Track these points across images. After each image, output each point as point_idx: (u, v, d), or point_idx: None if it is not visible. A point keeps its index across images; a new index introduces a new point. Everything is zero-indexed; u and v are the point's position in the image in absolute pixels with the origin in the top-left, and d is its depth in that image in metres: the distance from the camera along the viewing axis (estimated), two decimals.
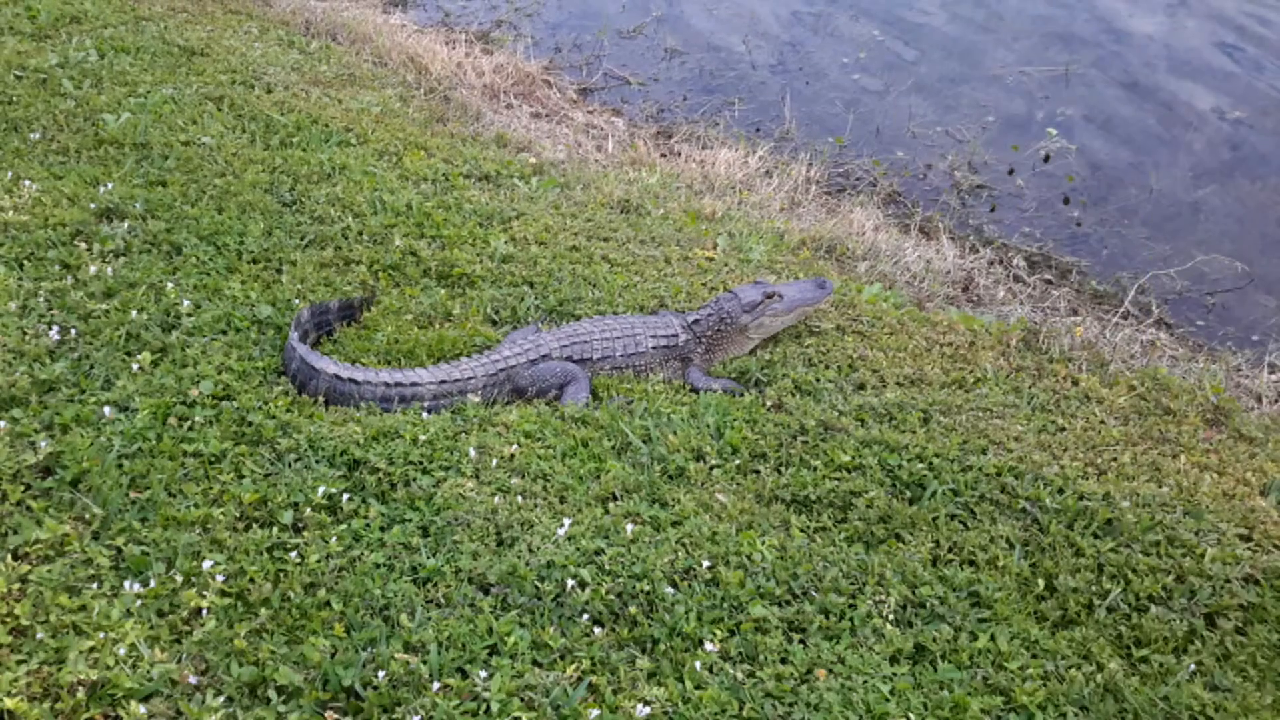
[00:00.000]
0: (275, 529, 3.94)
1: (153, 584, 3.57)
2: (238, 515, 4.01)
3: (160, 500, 3.97)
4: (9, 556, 3.58)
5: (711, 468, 4.71)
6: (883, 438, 4.89)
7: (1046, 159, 9.44)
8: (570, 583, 3.82)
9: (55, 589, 3.47)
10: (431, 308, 5.75)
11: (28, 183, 6.03)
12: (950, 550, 4.33)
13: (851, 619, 3.88)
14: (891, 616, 3.92)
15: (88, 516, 3.83)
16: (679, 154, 9.25)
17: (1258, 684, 3.83)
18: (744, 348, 5.87)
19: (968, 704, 3.56)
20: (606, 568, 3.92)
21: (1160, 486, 4.77)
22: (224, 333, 5.16)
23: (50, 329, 4.84)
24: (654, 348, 5.59)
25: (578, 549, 3.99)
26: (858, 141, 9.74)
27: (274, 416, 4.60)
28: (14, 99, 7.11)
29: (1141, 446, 5.14)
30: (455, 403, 5.04)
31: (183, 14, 9.68)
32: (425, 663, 3.42)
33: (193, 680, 3.26)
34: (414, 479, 4.33)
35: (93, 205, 5.93)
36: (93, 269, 5.37)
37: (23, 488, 3.89)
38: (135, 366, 4.73)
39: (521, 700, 3.35)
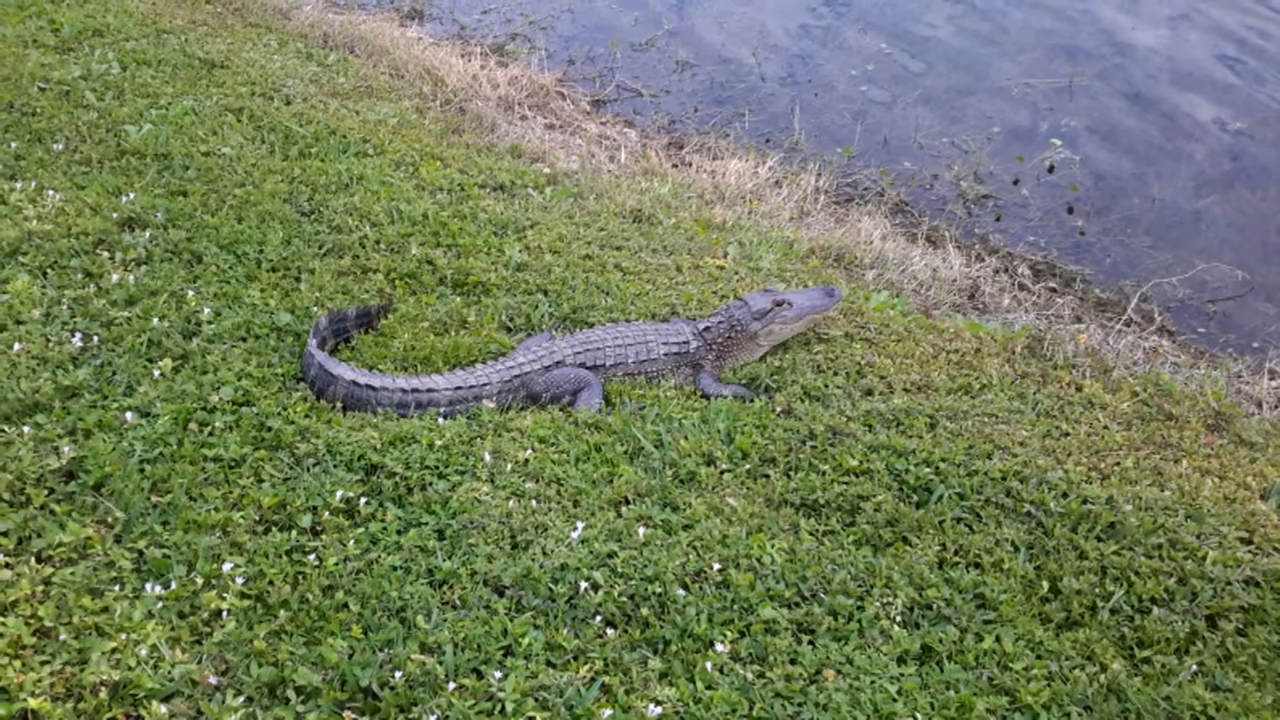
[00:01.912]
0: (294, 532, 3.96)
1: (174, 586, 3.58)
2: (257, 519, 4.03)
3: (181, 504, 3.99)
4: (33, 559, 3.61)
5: (722, 472, 4.74)
6: (890, 443, 4.92)
7: (1051, 169, 9.49)
8: (583, 585, 3.84)
9: (78, 591, 3.50)
10: (447, 315, 5.78)
11: (51, 193, 6.06)
12: (956, 553, 4.36)
13: (859, 620, 3.91)
14: (899, 618, 3.95)
15: (110, 520, 3.85)
16: (690, 164, 9.30)
17: (1258, 684, 3.87)
18: (754, 354, 5.89)
19: (973, 704, 3.59)
20: (619, 570, 3.95)
21: (1162, 490, 4.81)
22: (244, 340, 5.18)
23: (73, 336, 4.86)
24: (666, 354, 5.61)
25: (591, 552, 4.01)
26: (865, 152, 9.78)
27: (293, 422, 4.61)
28: (38, 110, 7.14)
29: (1144, 451, 5.17)
30: (470, 408, 5.06)
31: (203, 27, 9.70)
32: (441, 663, 3.44)
33: (213, 680, 3.27)
34: (430, 483, 4.35)
35: (115, 215, 5.95)
36: (115, 277, 5.39)
37: (46, 492, 3.92)
38: (156, 373, 4.75)
39: (536, 700, 3.37)
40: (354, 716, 3.27)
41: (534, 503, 4.31)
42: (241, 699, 3.24)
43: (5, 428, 4.20)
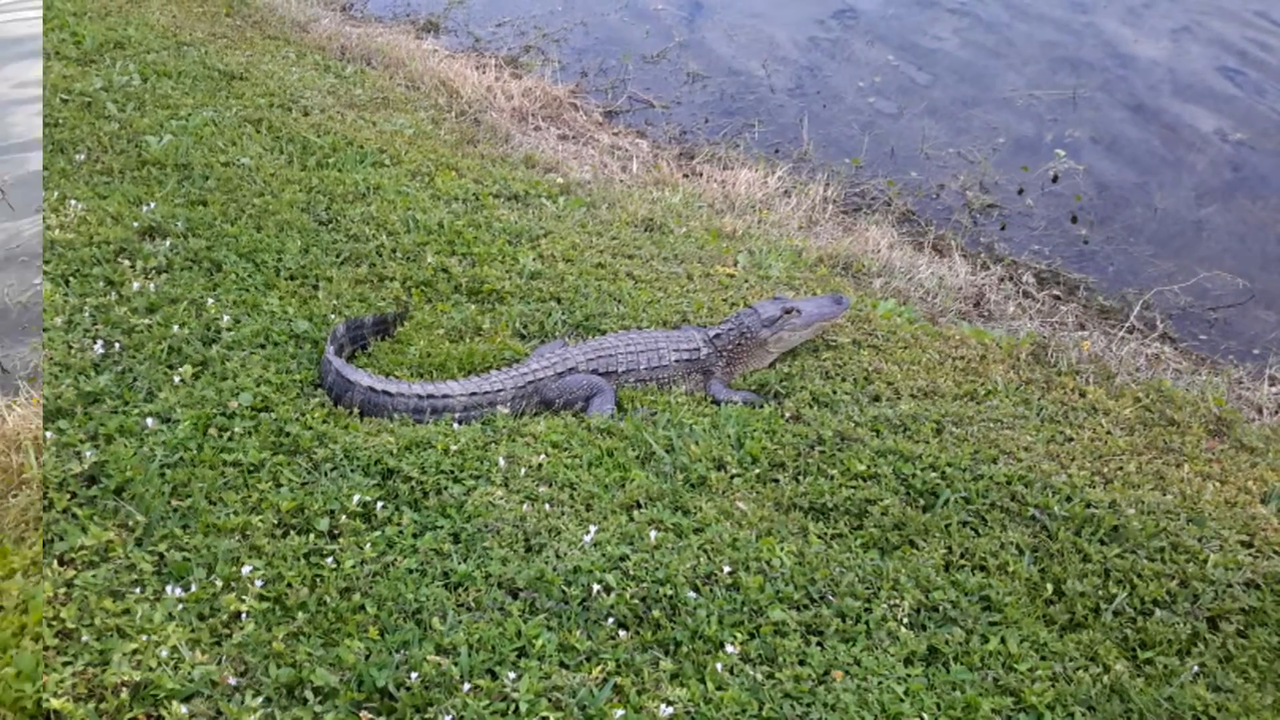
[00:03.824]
0: (312, 536, 3.99)
1: (194, 589, 3.62)
2: (276, 522, 4.06)
3: (201, 508, 4.02)
4: (55, 562, 3.65)
5: (732, 476, 4.78)
6: (897, 447, 4.95)
7: (1055, 179, 9.52)
8: (596, 587, 3.87)
9: (100, 593, 3.53)
10: (462, 323, 5.82)
11: (74, 202, 6.11)
12: (962, 556, 4.40)
13: (867, 622, 3.95)
14: (905, 620, 3.99)
15: (131, 524, 3.88)
16: (701, 174, 9.33)
17: (1258, 685, 3.90)
18: (763, 361, 5.93)
19: (979, 704, 3.63)
20: (631, 573, 3.98)
21: (1164, 494, 4.84)
22: (262, 346, 5.23)
23: (95, 343, 4.90)
24: (677, 361, 5.65)
25: (603, 555, 4.05)
26: (873, 162, 9.81)
27: (311, 427, 4.65)
28: (60, 121, 7.19)
29: (1146, 456, 5.21)
30: (485, 414, 5.10)
31: (222, 40, 9.76)
32: (456, 664, 3.48)
33: (232, 681, 3.30)
34: (445, 487, 4.39)
35: (136, 224, 6.01)
36: (136, 285, 5.44)
37: (69, 496, 3.95)
38: (177, 379, 4.79)
39: (549, 700, 3.40)
40: (371, 717, 3.31)
41: (547, 506, 4.34)
42: (260, 699, 3.27)
43: None
